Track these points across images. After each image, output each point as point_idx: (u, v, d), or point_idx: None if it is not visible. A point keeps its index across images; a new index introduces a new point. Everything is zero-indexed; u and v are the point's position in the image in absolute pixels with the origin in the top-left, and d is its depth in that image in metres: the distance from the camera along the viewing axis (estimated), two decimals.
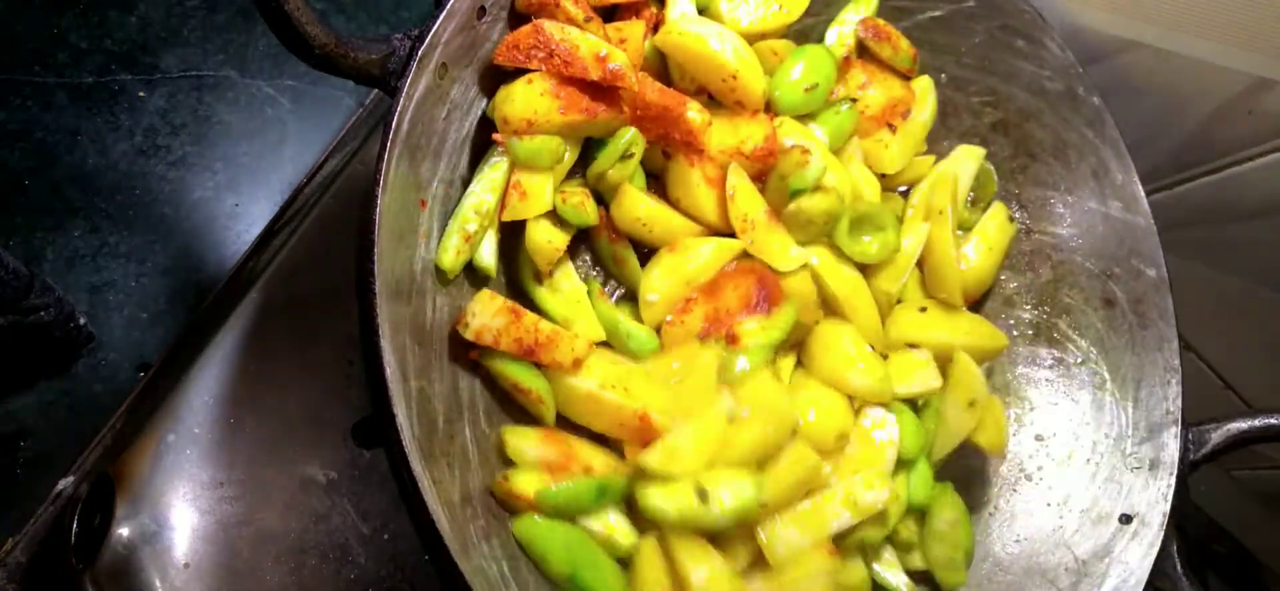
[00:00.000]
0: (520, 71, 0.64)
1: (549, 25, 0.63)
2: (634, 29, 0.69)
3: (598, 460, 0.63)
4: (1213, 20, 0.84)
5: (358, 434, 0.74)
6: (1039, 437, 0.79)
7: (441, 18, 0.58)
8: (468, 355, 0.63)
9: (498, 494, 0.61)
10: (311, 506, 0.72)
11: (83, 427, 0.75)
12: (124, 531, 0.66)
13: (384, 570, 0.72)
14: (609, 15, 0.70)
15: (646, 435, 0.62)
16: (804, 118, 0.74)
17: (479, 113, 0.65)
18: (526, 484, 0.60)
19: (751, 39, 0.72)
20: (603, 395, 0.63)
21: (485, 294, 0.62)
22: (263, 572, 0.69)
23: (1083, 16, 0.90)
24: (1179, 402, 0.74)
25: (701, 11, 0.73)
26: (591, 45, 0.64)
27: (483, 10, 0.62)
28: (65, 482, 0.73)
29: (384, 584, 0.72)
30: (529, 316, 0.62)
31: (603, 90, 0.65)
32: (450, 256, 0.61)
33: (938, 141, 0.83)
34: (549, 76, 0.63)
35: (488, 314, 0.61)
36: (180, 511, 0.68)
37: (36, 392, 0.76)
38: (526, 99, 0.62)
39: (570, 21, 0.64)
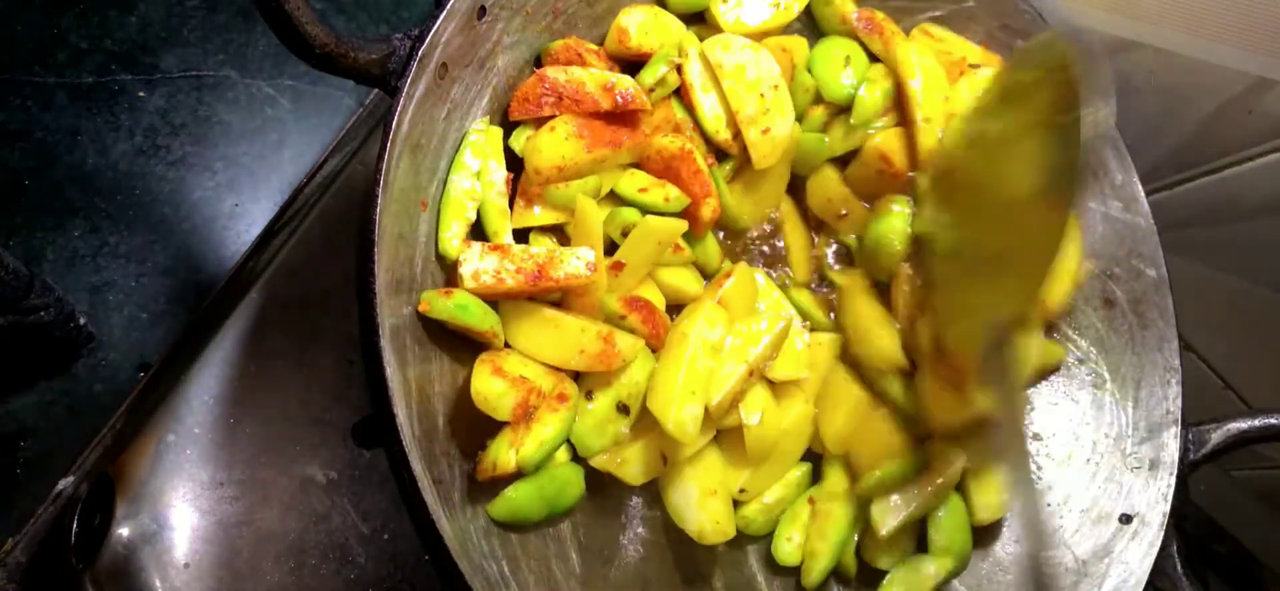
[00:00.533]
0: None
1: (551, 71, 0.65)
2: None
3: (546, 382, 0.63)
4: (1213, 20, 0.84)
5: (358, 434, 0.74)
6: (1038, 437, 0.79)
7: (441, 18, 0.58)
8: (418, 307, 0.60)
9: (481, 478, 0.61)
10: (311, 506, 0.72)
11: (83, 427, 0.75)
12: (124, 531, 0.66)
13: (384, 570, 0.72)
14: (633, 70, 0.70)
15: (610, 359, 0.63)
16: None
17: (479, 113, 0.65)
18: (505, 457, 0.60)
19: (758, 36, 0.73)
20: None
21: (469, 245, 0.62)
22: (263, 572, 0.69)
23: (1083, 16, 0.90)
24: (1179, 402, 0.74)
25: (700, 14, 0.74)
26: (597, 79, 0.66)
27: (483, 10, 0.62)
28: (65, 482, 0.73)
29: (384, 584, 0.72)
30: (516, 247, 0.62)
31: (619, 118, 0.67)
32: (455, 246, 0.62)
33: None
34: (570, 118, 0.64)
35: (478, 257, 0.61)
36: (180, 511, 0.68)
37: (36, 392, 0.76)
38: (553, 146, 0.64)
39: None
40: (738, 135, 0.71)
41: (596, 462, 0.65)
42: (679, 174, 0.68)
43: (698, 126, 0.72)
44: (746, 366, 0.66)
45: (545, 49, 0.69)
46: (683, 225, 0.67)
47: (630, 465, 0.65)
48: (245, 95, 0.91)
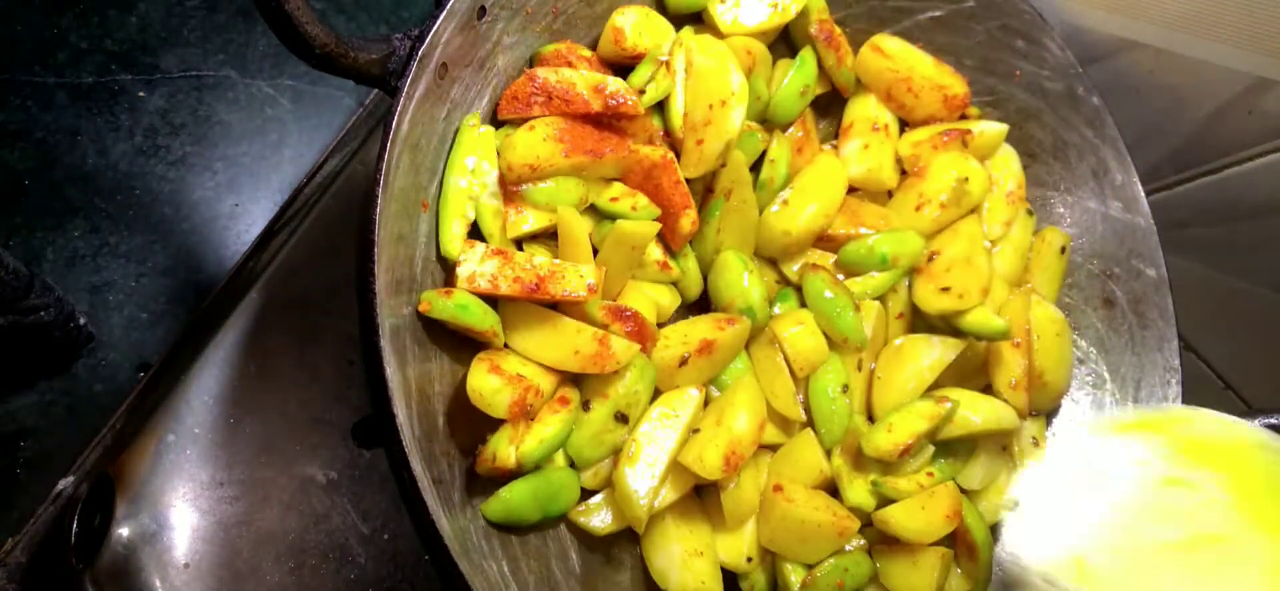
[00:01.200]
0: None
1: (542, 71, 0.65)
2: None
3: (544, 381, 0.63)
4: (1213, 20, 0.84)
5: (358, 434, 0.74)
6: (1036, 441, 0.79)
7: (441, 18, 0.58)
8: (418, 307, 0.60)
9: (480, 471, 0.61)
10: (311, 506, 0.72)
11: (83, 427, 0.75)
12: (124, 531, 0.66)
13: (384, 570, 0.72)
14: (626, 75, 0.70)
15: (605, 361, 0.62)
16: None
17: (479, 113, 0.65)
18: (505, 451, 0.60)
19: (757, 36, 0.73)
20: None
21: (471, 245, 0.61)
22: (263, 572, 0.69)
23: (1083, 16, 0.90)
24: (1179, 402, 0.74)
25: (698, 15, 0.74)
26: (588, 80, 0.65)
27: (483, 10, 0.62)
28: (65, 482, 0.73)
29: (384, 584, 0.72)
30: (518, 254, 0.62)
31: (608, 126, 0.66)
32: (457, 245, 0.61)
33: None
34: (553, 120, 0.64)
35: (477, 259, 0.60)
36: (180, 511, 0.68)
37: (36, 392, 0.76)
38: (527, 145, 0.62)
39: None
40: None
41: (586, 479, 0.65)
42: (659, 183, 0.67)
43: (667, 127, 0.70)
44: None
45: (537, 53, 0.68)
46: (654, 228, 0.66)
47: (595, 513, 0.65)
48: (245, 95, 0.91)
